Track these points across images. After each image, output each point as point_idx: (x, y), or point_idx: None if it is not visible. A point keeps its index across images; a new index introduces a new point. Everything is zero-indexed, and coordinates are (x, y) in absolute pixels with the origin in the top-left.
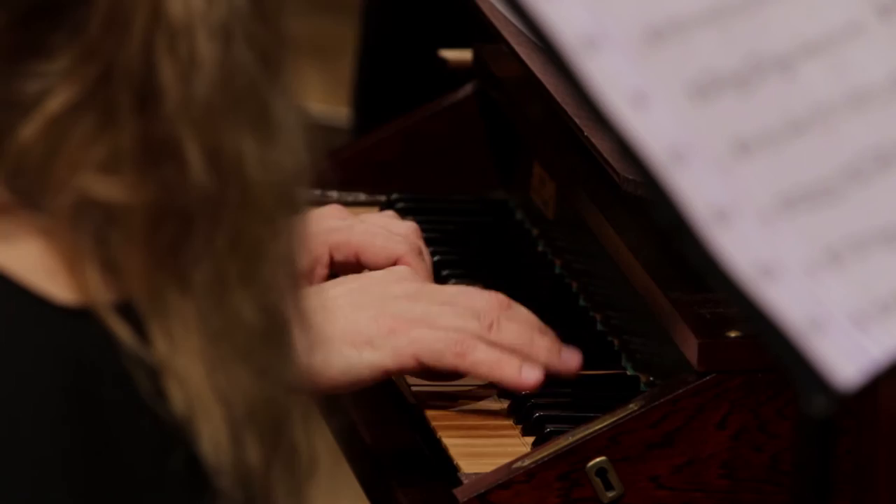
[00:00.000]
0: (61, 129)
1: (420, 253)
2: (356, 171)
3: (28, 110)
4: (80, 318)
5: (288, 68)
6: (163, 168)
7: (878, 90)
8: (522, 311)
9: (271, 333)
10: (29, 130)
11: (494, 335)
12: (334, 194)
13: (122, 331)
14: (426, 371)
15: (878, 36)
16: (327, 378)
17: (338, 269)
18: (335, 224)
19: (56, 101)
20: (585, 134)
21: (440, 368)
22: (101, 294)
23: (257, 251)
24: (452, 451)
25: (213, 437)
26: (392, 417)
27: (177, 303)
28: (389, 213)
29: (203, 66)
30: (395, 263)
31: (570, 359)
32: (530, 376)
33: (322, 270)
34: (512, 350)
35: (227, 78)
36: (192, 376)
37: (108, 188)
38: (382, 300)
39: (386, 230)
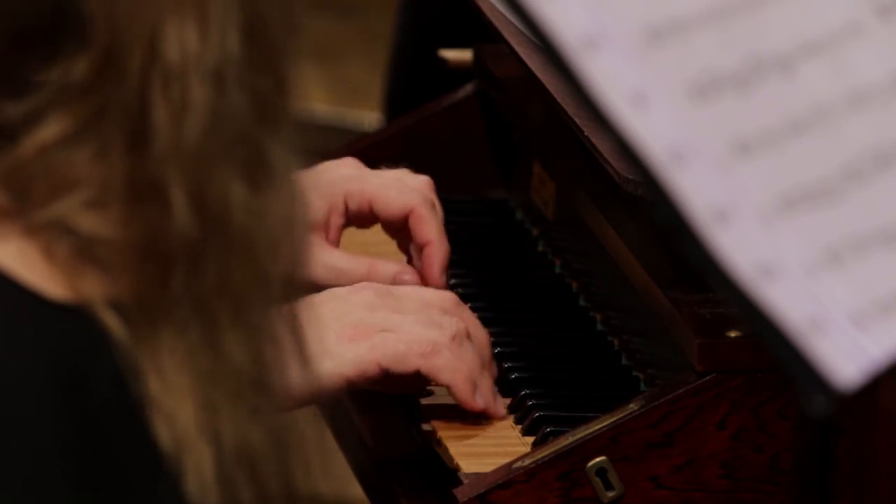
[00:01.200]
0: (52, 158)
1: (433, 205)
2: None
3: (18, 134)
4: (73, 314)
5: (288, 117)
6: (147, 208)
7: (878, 90)
8: (482, 334)
9: (263, 377)
10: (21, 154)
11: (455, 347)
12: None
13: (115, 327)
14: (388, 379)
15: (879, 36)
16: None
17: (351, 217)
18: (350, 173)
19: (49, 131)
20: (585, 134)
21: (402, 371)
22: (93, 293)
23: (247, 297)
24: (452, 451)
25: (198, 477)
26: (392, 418)
27: (168, 341)
28: (403, 169)
29: (194, 110)
30: (408, 214)
31: (500, 406)
32: (479, 401)
33: (338, 219)
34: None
35: (217, 123)
36: (180, 415)
37: (93, 223)
38: (341, 311)
39: (400, 182)
